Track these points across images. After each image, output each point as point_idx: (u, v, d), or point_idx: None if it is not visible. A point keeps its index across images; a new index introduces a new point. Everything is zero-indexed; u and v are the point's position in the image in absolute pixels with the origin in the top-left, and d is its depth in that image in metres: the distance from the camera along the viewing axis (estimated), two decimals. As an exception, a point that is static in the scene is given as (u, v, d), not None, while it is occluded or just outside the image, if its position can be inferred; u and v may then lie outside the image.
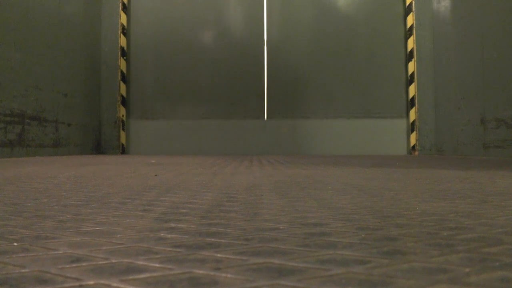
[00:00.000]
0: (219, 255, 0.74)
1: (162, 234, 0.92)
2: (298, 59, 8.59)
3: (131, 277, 0.62)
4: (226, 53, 8.64)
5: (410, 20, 8.46)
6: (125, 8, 8.69)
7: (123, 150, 8.60)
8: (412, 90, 8.42)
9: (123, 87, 8.59)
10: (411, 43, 8.45)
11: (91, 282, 0.59)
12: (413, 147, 8.38)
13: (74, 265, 0.68)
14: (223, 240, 0.85)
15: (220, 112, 8.59)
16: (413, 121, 8.40)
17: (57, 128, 6.86)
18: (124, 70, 8.64)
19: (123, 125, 8.57)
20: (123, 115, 8.57)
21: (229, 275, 0.62)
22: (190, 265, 0.68)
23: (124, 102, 8.62)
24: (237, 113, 8.57)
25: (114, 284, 0.58)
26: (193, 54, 8.65)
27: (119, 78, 8.54)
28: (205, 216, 1.14)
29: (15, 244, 0.83)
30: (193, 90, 8.63)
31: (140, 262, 0.69)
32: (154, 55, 8.69)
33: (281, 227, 0.99)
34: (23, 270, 0.65)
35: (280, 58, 8.59)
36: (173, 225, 1.02)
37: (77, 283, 0.59)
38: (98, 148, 8.44)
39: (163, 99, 8.64)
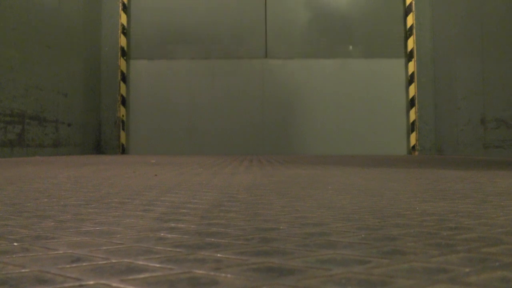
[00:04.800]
0: (219, 255, 0.74)
1: (162, 234, 0.92)
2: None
3: (131, 277, 0.61)
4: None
5: (410, 20, 8.46)
6: (125, 8, 8.68)
7: (123, 150, 8.60)
8: (412, 90, 8.42)
9: (123, 87, 8.59)
10: (411, 43, 8.45)
11: (91, 282, 0.59)
12: (413, 147, 8.38)
13: (74, 265, 0.68)
14: (223, 240, 0.85)
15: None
16: (413, 121, 8.40)
17: (57, 128, 6.86)
18: (124, 70, 8.63)
19: (123, 125, 8.57)
20: (123, 115, 8.56)
21: (229, 275, 0.62)
22: (190, 265, 0.68)
23: (124, 102, 8.61)
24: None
25: (114, 284, 0.58)
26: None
27: (119, 78, 8.53)
28: (205, 216, 1.14)
29: (15, 244, 0.83)
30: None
31: (140, 262, 0.69)
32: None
33: (281, 227, 0.99)
34: (23, 270, 0.65)
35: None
36: (173, 225, 1.02)
37: (77, 283, 0.59)
38: (98, 148, 8.44)
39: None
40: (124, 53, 8.63)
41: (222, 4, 8.67)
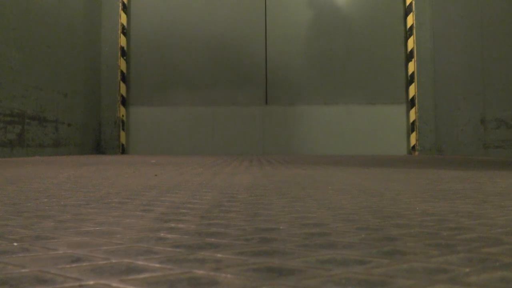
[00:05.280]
0: (219, 255, 0.74)
1: (162, 234, 0.92)
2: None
3: (131, 277, 0.61)
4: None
5: (410, 20, 8.46)
6: (125, 8, 8.68)
7: (123, 150, 8.60)
8: (412, 90, 8.42)
9: (123, 87, 8.59)
10: (411, 43, 8.45)
11: (91, 282, 0.59)
12: (413, 147, 8.38)
13: (74, 265, 0.68)
14: (223, 240, 0.85)
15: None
16: (413, 121, 8.39)
17: (57, 128, 6.86)
18: (124, 70, 8.63)
19: (123, 125, 8.56)
20: (123, 115, 8.56)
21: (229, 275, 0.62)
22: (190, 265, 0.68)
23: (124, 102, 8.61)
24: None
25: (114, 284, 0.58)
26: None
27: (119, 78, 8.53)
28: (205, 216, 1.14)
29: (15, 244, 0.83)
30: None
31: (140, 262, 0.69)
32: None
33: (281, 227, 0.99)
34: (23, 270, 0.65)
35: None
36: (173, 225, 1.02)
37: (77, 283, 0.59)
38: (98, 148, 8.44)
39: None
40: (124, 53, 8.63)
41: (222, 53, 8.61)
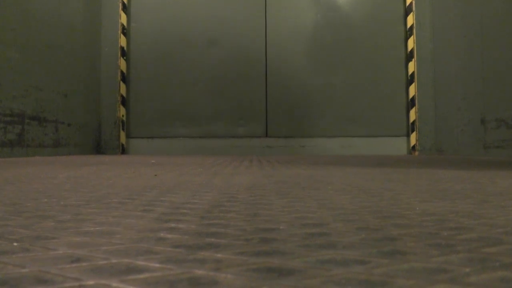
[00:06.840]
0: (219, 255, 0.74)
1: (162, 234, 0.91)
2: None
3: (131, 277, 0.61)
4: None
5: (410, 20, 8.46)
6: (125, 8, 8.68)
7: (123, 150, 8.60)
8: (412, 90, 8.42)
9: (123, 87, 8.59)
10: (411, 43, 8.45)
11: (91, 282, 0.59)
12: (413, 147, 8.38)
13: (74, 265, 0.68)
14: (223, 240, 0.85)
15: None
16: (413, 121, 8.39)
17: (57, 128, 6.86)
18: (124, 70, 8.63)
19: (123, 125, 8.57)
20: (123, 115, 8.56)
21: (229, 275, 0.62)
22: (190, 265, 0.68)
23: (124, 102, 8.61)
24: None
25: (114, 284, 0.58)
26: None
27: (119, 78, 8.53)
28: (205, 216, 1.14)
29: (15, 244, 0.83)
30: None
31: (140, 262, 0.69)
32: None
33: (281, 227, 0.99)
34: (23, 270, 0.65)
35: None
36: (173, 225, 1.02)
37: (77, 283, 0.59)
38: (98, 148, 8.44)
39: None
40: (124, 53, 8.63)
41: (223, 84, 8.59)
